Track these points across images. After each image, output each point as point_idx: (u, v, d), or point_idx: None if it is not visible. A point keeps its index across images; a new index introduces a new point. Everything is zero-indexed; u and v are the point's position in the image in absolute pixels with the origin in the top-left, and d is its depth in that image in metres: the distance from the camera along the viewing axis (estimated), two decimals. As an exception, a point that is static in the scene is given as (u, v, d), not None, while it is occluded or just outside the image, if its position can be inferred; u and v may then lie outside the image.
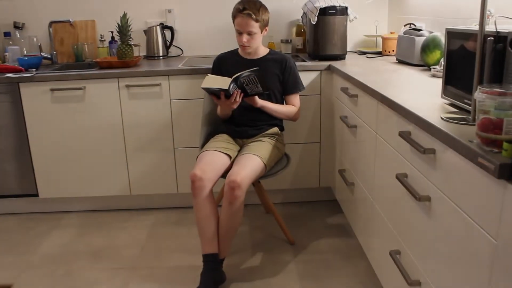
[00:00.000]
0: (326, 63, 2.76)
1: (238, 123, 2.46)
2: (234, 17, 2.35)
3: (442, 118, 1.40)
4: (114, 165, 2.90)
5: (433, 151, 1.39)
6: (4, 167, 2.93)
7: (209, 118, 2.62)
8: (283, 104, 2.53)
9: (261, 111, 2.41)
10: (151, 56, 3.30)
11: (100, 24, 3.34)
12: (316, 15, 2.76)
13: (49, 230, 2.86)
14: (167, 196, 3.04)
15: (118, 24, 2.87)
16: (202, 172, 2.15)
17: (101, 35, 3.31)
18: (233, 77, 2.16)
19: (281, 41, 3.34)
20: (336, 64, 2.73)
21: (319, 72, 2.76)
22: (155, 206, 3.08)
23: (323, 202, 3.08)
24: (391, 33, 3.13)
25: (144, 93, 2.77)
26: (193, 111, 2.79)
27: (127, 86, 2.75)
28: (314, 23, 2.78)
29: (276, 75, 2.44)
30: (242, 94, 2.26)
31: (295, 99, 2.51)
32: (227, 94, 2.21)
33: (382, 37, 3.11)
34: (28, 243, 2.71)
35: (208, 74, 2.25)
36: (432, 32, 2.47)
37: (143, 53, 3.34)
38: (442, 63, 2.13)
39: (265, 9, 2.36)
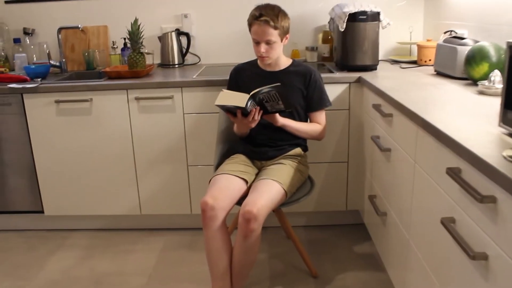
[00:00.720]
0: (355, 75, 2.48)
1: (256, 143, 2.21)
2: (250, 25, 2.10)
3: (504, 157, 1.12)
4: (123, 182, 2.69)
5: (493, 200, 1.11)
6: (9, 182, 2.74)
7: (225, 136, 2.37)
8: (306, 121, 2.27)
9: (282, 130, 2.15)
10: (165, 64, 3.07)
11: (113, 29, 3.14)
12: (345, 21, 2.48)
13: (53, 250, 2.66)
14: (180, 217, 2.80)
15: (129, 31, 2.66)
16: (214, 200, 1.91)
17: (113, 41, 3.10)
18: (251, 93, 1.91)
19: (306, 48, 3.07)
20: (367, 76, 2.45)
21: (348, 84, 2.49)
22: (166, 227, 2.85)
23: (350, 226, 2.80)
24: (428, 40, 2.82)
25: (155, 106, 2.54)
26: (208, 126, 2.55)
27: (137, 99, 2.53)
28: (342, 30, 2.50)
29: (299, 90, 2.18)
30: (261, 111, 2.01)
31: (321, 116, 2.24)
32: (244, 112, 1.96)
33: (418, 45, 2.82)
34: (29, 266, 2.51)
35: (223, 90, 2.00)
36: (477, 42, 2.17)
37: (157, 61, 3.12)
38: (492, 78, 1.84)
39: (285, 14, 2.10)
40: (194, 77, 2.57)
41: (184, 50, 3.11)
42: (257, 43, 2.09)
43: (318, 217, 2.79)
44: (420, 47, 2.80)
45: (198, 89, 2.51)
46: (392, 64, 2.89)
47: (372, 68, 2.60)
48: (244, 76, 2.25)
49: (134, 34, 2.67)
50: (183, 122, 2.56)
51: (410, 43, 3.03)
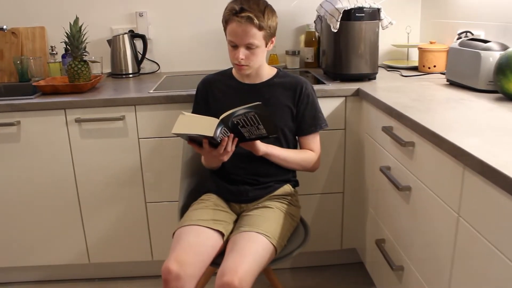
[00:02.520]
0: (351, 86, 2.01)
1: (232, 180, 1.70)
2: (226, 22, 1.59)
3: None
4: (65, 224, 2.13)
5: None
6: None
7: (192, 168, 1.85)
8: (296, 147, 1.78)
9: (266, 161, 1.66)
10: (117, 74, 2.53)
11: (52, 31, 2.57)
12: (339, 20, 2.00)
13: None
14: (139, 264, 2.27)
15: (67, 33, 2.10)
16: (180, 266, 1.40)
17: (51, 46, 2.53)
18: (220, 117, 1.41)
19: (286, 52, 2.59)
20: (366, 87, 1.98)
21: (343, 99, 2.01)
22: (123, 275, 2.30)
23: (346, 266, 2.33)
24: (431, 43, 2.38)
25: (102, 129, 2.00)
26: (170, 153, 2.02)
27: (78, 121, 1.98)
28: (335, 30, 2.02)
29: (287, 108, 1.69)
30: (236, 139, 1.51)
31: (314, 141, 1.75)
32: (213, 142, 1.46)
33: (420, 49, 2.37)
34: None
35: (183, 113, 1.48)
36: (505, 46, 1.74)
37: (107, 69, 2.56)
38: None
39: (272, 11, 1.60)
40: (150, 91, 2.03)
41: (139, 56, 2.57)
42: (234, 46, 1.59)
43: (307, 257, 2.30)
44: (422, 51, 2.35)
45: (156, 107, 1.98)
46: (388, 71, 2.43)
47: (370, 77, 2.14)
48: (215, 91, 1.74)
49: (75, 38, 2.11)
50: (138, 149, 2.03)
51: (408, 46, 2.58)
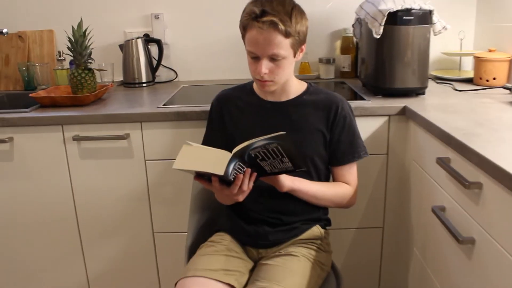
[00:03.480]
0: (397, 103, 1.68)
1: (251, 218, 1.40)
2: (244, 28, 1.29)
3: None
4: (63, 255, 1.88)
5: None
6: None
7: (202, 201, 1.56)
8: (328, 179, 1.46)
9: (291, 198, 1.35)
10: (129, 83, 2.27)
11: (61, 35, 2.33)
12: (382, 24, 1.68)
13: None
14: (145, 300, 1.99)
15: (70, 39, 1.85)
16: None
17: (59, 52, 2.30)
18: (234, 150, 1.11)
19: (320, 60, 2.27)
20: (414, 104, 1.66)
21: (386, 118, 1.68)
22: (128, 311, 2.04)
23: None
24: (490, 51, 2.02)
25: (104, 149, 1.74)
26: (181, 178, 1.74)
27: (76, 139, 1.72)
28: (378, 36, 1.70)
29: (318, 132, 1.38)
30: (255, 174, 1.21)
31: (350, 172, 1.43)
32: (224, 179, 1.16)
33: (476, 57, 2.01)
34: None
35: (188, 143, 1.19)
36: None
37: (119, 77, 2.31)
38: None
39: (301, 12, 1.29)
40: (159, 106, 1.75)
41: (155, 63, 2.30)
42: (255, 58, 1.29)
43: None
44: (479, 61, 2.00)
45: (165, 124, 1.70)
46: (438, 83, 2.08)
47: (418, 92, 1.80)
48: (232, 109, 1.45)
49: (78, 43, 1.86)
50: (145, 172, 1.76)
51: (461, 54, 2.22)
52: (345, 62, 2.27)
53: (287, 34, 1.23)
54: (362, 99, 1.77)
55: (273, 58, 1.26)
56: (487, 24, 2.19)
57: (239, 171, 1.17)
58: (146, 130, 1.71)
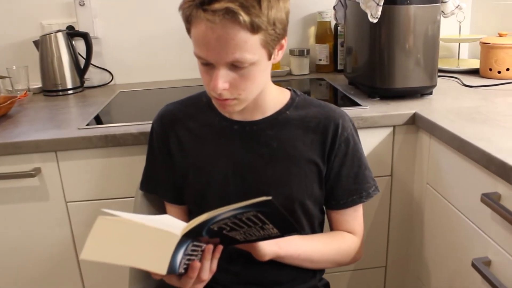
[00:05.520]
0: (402, 108, 1.27)
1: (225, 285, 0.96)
2: (188, 20, 0.83)
3: None
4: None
5: None
6: None
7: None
8: (322, 225, 1.04)
9: (275, 262, 0.91)
10: (50, 90, 1.76)
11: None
12: (381, 3, 1.25)
13: None
14: None
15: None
16: None
17: (-48, 53, 1.75)
18: (183, 230, 0.66)
19: (290, 52, 1.83)
20: (423, 108, 1.26)
21: (391, 129, 1.27)
22: None
23: None
24: (501, 35, 1.64)
25: (6, 190, 1.24)
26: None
27: (-38, 180, 1.22)
28: (375, 20, 1.27)
29: (310, 165, 0.95)
30: (221, 246, 0.76)
31: (355, 216, 1.01)
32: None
33: (483, 44, 1.63)
34: None
35: (108, 212, 0.71)
36: None
37: (36, 83, 1.79)
38: None
39: None
40: (81, 128, 1.26)
41: (83, 63, 1.80)
42: (207, 65, 0.83)
43: None
44: (488, 48, 1.62)
45: (89, 153, 1.22)
46: (440, 77, 1.67)
47: (425, 92, 1.39)
48: (182, 135, 0.99)
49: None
50: (67, 218, 1.27)
51: (460, 40, 1.84)
52: (321, 53, 1.85)
53: (254, 28, 0.78)
54: (356, 104, 1.34)
55: (235, 66, 0.81)
56: (490, 3, 1.80)
57: (195, 253, 0.72)
58: (64, 161, 1.22)
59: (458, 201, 1.09)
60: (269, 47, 0.83)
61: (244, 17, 0.76)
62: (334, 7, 1.59)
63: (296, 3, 1.81)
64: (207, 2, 0.76)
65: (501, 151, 0.93)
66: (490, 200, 0.92)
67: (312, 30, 1.88)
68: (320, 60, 1.86)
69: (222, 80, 0.82)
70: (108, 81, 1.87)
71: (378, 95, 1.39)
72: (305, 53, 1.82)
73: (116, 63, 1.86)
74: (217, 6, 0.76)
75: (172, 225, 0.74)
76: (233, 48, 0.79)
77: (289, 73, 1.84)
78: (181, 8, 0.81)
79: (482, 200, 0.94)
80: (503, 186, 0.91)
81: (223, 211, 0.67)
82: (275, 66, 1.82)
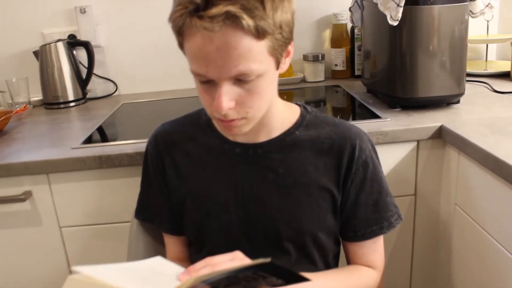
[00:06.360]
0: (427, 121, 1.14)
1: None
2: (179, 32, 0.71)
3: None
4: None
5: None
6: None
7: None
8: (338, 258, 0.92)
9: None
10: (51, 103, 1.68)
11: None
12: (402, 4, 1.12)
13: None
14: None
15: None
16: None
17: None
18: None
19: (304, 58, 1.72)
20: (450, 120, 1.14)
21: (414, 144, 1.14)
22: None
23: None
24: (534, 33, 1.50)
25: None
26: (116, 247, 1.17)
27: None
28: (395, 22, 1.14)
29: (323, 192, 0.83)
30: None
31: (375, 248, 0.89)
32: None
33: (516, 44, 1.49)
34: None
35: (76, 271, 0.59)
36: None
37: (37, 95, 1.71)
38: None
39: None
40: (74, 147, 1.17)
41: (85, 74, 1.71)
42: (206, 83, 0.72)
43: None
44: (523, 48, 1.47)
45: (83, 175, 1.12)
46: (468, 82, 1.53)
47: (452, 101, 1.26)
48: (179, 158, 0.89)
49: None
50: (61, 244, 1.18)
51: (488, 41, 1.69)
52: (337, 58, 1.72)
53: (260, 33, 0.67)
54: (376, 116, 1.21)
55: (240, 80, 0.70)
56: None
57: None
58: (56, 184, 1.13)
59: (492, 227, 0.96)
60: (277, 54, 0.72)
61: (247, 20, 0.65)
62: (350, 8, 1.47)
63: (309, 5, 1.71)
64: (203, 8, 0.65)
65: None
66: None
67: (327, 34, 1.76)
68: (336, 65, 1.73)
69: (227, 98, 0.70)
70: (112, 91, 1.78)
71: (399, 105, 1.26)
72: (320, 59, 1.70)
73: (120, 72, 1.77)
74: (215, 11, 0.64)
75: (162, 272, 0.64)
76: (236, 59, 0.67)
77: (303, 80, 1.73)
78: (171, 18, 0.70)
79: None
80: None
81: (216, 274, 0.56)
82: (287, 73, 1.71)
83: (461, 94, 1.24)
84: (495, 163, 0.91)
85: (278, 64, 0.74)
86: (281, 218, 0.82)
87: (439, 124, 1.12)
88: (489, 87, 1.44)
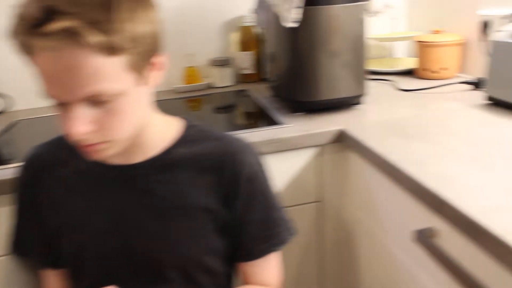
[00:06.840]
0: (328, 124, 1.11)
1: None
2: (21, 49, 0.61)
3: None
4: None
5: None
6: None
7: None
8: (231, 280, 0.86)
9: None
10: None
11: None
12: (297, 6, 1.08)
13: None
14: None
15: None
16: None
17: None
18: None
19: (211, 62, 1.65)
20: (351, 122, 1.12)
21: (317, 149, 1.10)
22: None
23: None
24: (436, 32, 1.52)
25: None
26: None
27: None
28: (292, 24, 1.10)
29: (206, 214, 0.76)
30: None
31: (269, 266, 0.84)
32: None
33: (419, 42, 1.50)
34: None
35: None
36: None
37: None
38: None
39: None
40: None
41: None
42: (60, 105, 0.64)
43: None
44: (423, 47, 1.50)
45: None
46: (373, 80, 1.54)
47: (354, 102, 1.24)
48: (51, 184, 0.79)
49: None
50: None
51: (393, 39, 1.70)
52: (245, 61, 1.67)
53: (110, 49, 0.59)
54: (278, 123, 1.16)
55: (94, 100, 0.62)
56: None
57: None
58: None
59: (389, 237, 0.94)
60: (139, 69, 0.64)
61: (93, 37, 0.57)
62: (255, 10, 1.42)
63: (215, 7, 1.64)
64: (40, 24, 0.56)
65: (436, 176, 0.78)
66: (422, 237, 0.76)
67: (234, 37, 1.70)
68: (244, 69, 1.68)
69: (80, 122, 0.62)
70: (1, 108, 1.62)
71: (303, 109, 1.23)
72: (227, 63, 1.64)
73: (12, 84, 1.61)
74: (54, 27, 0.56)
75: None
76: (85, 79, 0.60)
77: (210, 86, 1.66)
78: (12, 35, 0.61)
79: (415, 240, 0.78)
80: (437, 220, 0.75)
81: None
82: (194, 79, 1.63)
83: (363, 94, 1.22)
84: (391, 168, 0.88)
85: (143, 80, 0.66)
86: (161, 245, 0.75)
87: (339, 128, 1.09)
88: (394, 85, 1.44)
